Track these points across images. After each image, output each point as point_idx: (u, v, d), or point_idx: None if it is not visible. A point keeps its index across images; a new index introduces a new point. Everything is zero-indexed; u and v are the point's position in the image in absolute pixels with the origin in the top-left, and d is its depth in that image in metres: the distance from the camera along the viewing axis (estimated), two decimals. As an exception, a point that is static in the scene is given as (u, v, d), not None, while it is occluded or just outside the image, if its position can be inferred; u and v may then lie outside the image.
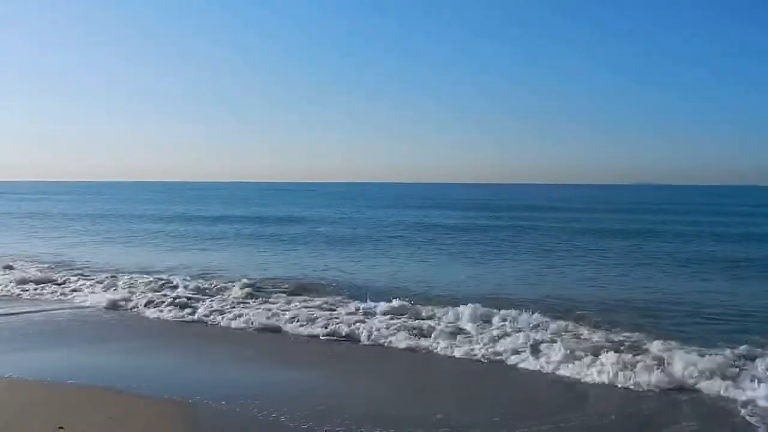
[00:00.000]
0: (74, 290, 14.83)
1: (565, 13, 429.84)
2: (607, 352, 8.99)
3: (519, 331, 10.38)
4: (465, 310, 11.45)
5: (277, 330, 11.25)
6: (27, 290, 14.99)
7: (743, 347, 9.17)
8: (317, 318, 11.55)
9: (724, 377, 8.02)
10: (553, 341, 9.62)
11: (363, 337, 10.50)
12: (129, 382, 8.13)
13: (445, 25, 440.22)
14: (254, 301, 13.33)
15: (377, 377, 8.72)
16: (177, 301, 13.03)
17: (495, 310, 11.57)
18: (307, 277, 17.10)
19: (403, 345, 10.03)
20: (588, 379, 8.32)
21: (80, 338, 10.80)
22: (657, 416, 7.13)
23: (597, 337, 10.07)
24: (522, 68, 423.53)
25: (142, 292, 14.10)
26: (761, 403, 7.27)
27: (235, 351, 10.02)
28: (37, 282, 15.63)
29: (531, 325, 10.71)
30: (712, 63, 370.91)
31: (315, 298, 13.51)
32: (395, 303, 12.38)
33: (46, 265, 18.78)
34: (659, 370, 8.24)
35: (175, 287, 14.65)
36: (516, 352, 9.40)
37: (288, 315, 11.88)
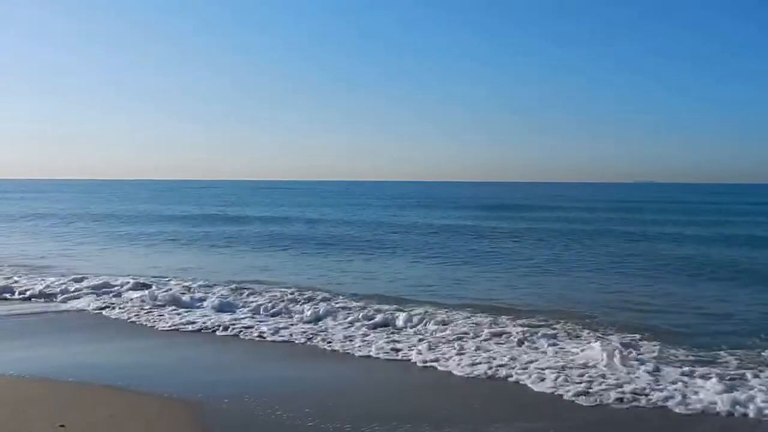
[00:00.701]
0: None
1: (567, 11, 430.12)
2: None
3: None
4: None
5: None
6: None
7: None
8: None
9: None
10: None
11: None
12: (130, 380, 8.12)
13: (446, 23, 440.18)
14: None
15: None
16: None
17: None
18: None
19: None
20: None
21: (81, 337, 10.79)
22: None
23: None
24: (523, 66, 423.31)
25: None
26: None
27: (235, 349, 10.03)
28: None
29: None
30: (715, 61, 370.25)
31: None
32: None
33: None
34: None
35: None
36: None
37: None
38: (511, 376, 8.41)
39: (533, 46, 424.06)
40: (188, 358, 9.57)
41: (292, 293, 13.99)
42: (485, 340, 10.16)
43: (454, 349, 9.63)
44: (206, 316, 12.15)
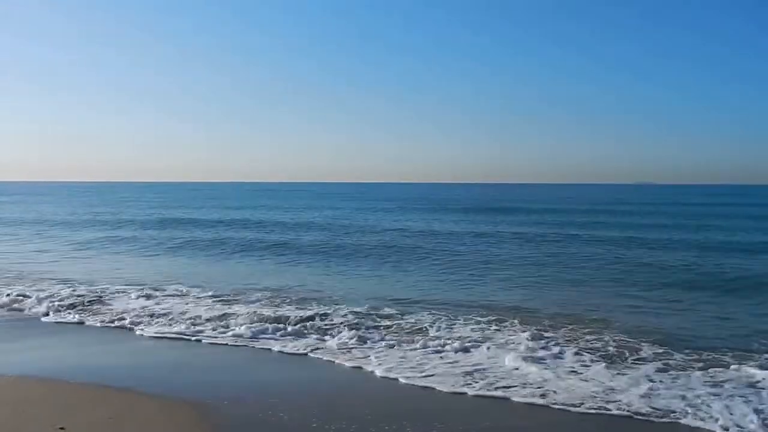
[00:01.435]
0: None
1: (567, 11, 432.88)
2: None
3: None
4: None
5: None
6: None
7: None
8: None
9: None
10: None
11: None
12: (130, 381, 8.07)
13: (446, 23, 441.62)
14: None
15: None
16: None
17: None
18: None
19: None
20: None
21: (80, 337, 10.70)
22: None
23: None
24: (524, 67, 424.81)
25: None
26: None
27: (235, 349, 9.96)
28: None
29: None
30: (715, 61, 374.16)
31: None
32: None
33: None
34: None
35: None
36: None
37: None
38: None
39: (533, 46, 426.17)
40: (189, 359, 9.49)
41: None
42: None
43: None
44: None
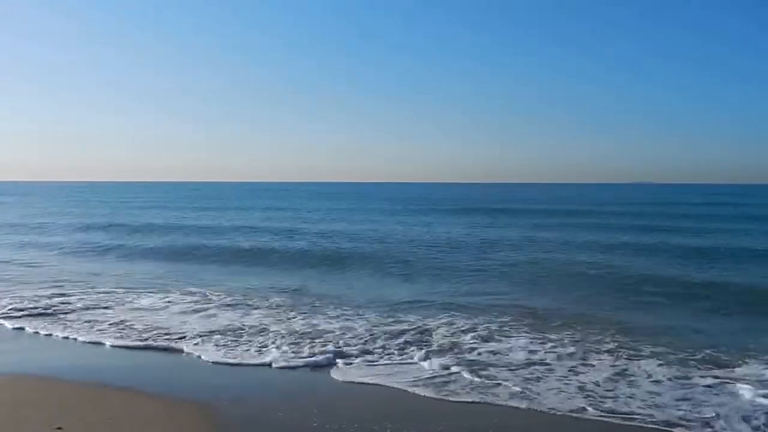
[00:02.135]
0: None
1: (566, 10, 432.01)
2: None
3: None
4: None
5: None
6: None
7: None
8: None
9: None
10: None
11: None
12: (128, 381, 8.01)
13: (446, 23, 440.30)
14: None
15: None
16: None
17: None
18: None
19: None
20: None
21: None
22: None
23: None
24: (523, 66, 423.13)
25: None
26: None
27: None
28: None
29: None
30: (715, 61, 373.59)
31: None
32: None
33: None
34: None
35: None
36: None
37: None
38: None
39: (533, 46, 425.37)
40: (186, 360, 9.39)
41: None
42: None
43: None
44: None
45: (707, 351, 9.48)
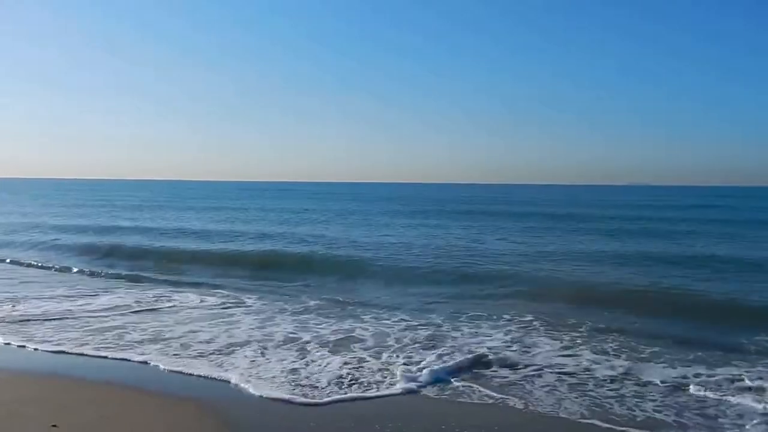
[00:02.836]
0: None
1: (562, 11, 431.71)
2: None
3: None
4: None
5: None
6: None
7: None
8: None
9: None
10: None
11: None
12: (123, 379, 7.93)
13: (446, 24, 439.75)
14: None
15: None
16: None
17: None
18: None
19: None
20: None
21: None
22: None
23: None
24: (521, 66, 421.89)
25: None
26: None
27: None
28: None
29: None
30: (715, 61, 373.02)
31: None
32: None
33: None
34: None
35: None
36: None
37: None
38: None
39: (533, 45, 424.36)
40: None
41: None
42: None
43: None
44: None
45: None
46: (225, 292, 14.57)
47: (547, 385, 7.95)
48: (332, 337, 10.22)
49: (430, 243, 24.30)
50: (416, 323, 11.31)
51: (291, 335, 10.32)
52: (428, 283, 16.05)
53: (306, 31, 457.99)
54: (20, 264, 19.92)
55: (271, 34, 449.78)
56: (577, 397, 7.48)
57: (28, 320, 11.25)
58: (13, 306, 12.50)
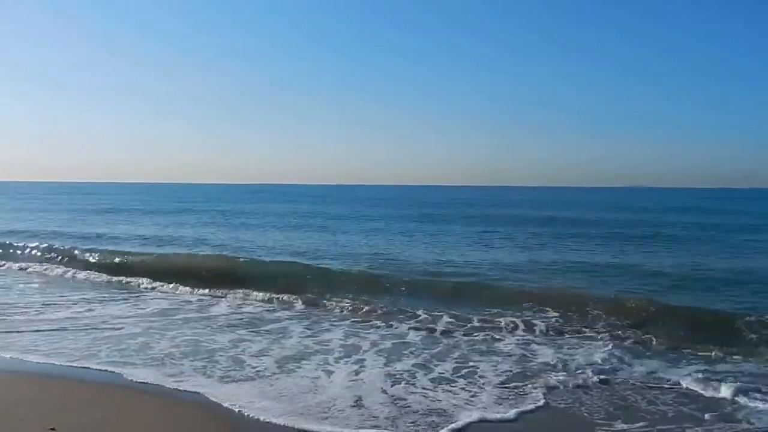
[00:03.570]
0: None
1: (562, 11, 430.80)
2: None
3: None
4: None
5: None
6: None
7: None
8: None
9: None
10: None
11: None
12: (122, 380, 7.87)
13: (445, 24, 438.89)
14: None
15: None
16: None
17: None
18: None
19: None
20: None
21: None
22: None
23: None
24: (521, 67, 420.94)
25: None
26: None
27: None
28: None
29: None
30: (716, 61, 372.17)
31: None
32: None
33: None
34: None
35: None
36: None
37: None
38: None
39: (532, 46, 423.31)
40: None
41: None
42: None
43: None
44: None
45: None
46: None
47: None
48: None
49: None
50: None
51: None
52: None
53: (306, 31, 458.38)
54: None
55: (271, 34, 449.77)
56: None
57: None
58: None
